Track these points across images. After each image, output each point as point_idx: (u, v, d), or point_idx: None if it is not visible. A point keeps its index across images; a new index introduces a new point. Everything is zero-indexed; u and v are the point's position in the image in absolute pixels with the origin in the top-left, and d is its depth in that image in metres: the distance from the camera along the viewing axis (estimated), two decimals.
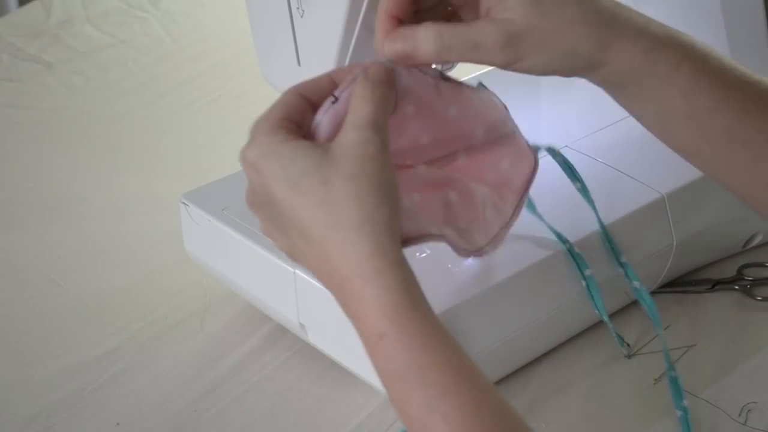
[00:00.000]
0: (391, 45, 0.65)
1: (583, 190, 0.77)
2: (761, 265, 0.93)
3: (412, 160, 0.69)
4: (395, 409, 0.57)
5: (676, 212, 0.88)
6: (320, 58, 0.77)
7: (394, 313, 0.56)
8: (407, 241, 0.65)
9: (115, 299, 0.95)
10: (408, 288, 0.56)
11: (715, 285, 0.92)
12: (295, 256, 0.63)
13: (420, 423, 0.55)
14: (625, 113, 0.70)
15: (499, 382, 0.83)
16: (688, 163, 0.70)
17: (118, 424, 0.81)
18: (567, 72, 0.66)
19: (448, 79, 0.68)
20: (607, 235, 0.82)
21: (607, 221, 0.83)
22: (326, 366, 0.85)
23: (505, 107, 0.70)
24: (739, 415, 0.79)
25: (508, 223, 0.71)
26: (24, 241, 1.04)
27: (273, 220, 0.62)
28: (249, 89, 1.31)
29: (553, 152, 0.79)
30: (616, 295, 0.86)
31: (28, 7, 1.55)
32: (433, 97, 0.67)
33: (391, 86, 0.63)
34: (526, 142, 0.71)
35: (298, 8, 0.77)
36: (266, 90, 0.88)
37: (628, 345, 0.84)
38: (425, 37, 0.64)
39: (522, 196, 0.71)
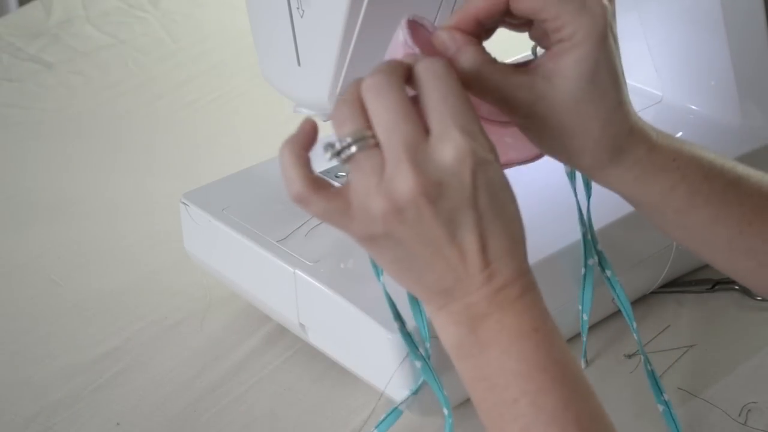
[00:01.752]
0: (440, 38, 0.64)
1: (571, 175, 0.78)
2: None
3: None
4: (520, 401, 0.58)
5: None
6: (320, 58, 0.77)
7: (547, 314, 0.60)
8: None
9: (114, 299, 0.95)
10: None
11: (715, 285, 0.92)
12: (413, 245, 0.58)
13: (550, 416, 0.58)
14: None
15: None
16: None
17: (118, 424, 0.82)
18: (551, 156, 0.68)
19: None
20: (589, 222, 0.81)
21: (607, 221, 0.83)
22: (326, 366, 0.85)
23: None
24: (739, 415, 0.79)
25: None
26: (24, 241, 1.04)
27: (442, 218, 0.57)
28: (249, 89, 1.31)
29: None
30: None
31: (28, 7, 1.55)
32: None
33: None
34: None
35: (298, 8, 0.77)
36: (266, 90, 0.88)
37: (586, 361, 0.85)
38: (467, 60, 0.63)
39: (508, 165, 0.69)
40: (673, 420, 0.77)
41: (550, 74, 0.63)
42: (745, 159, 0.84)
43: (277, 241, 0.83)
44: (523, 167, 0.70)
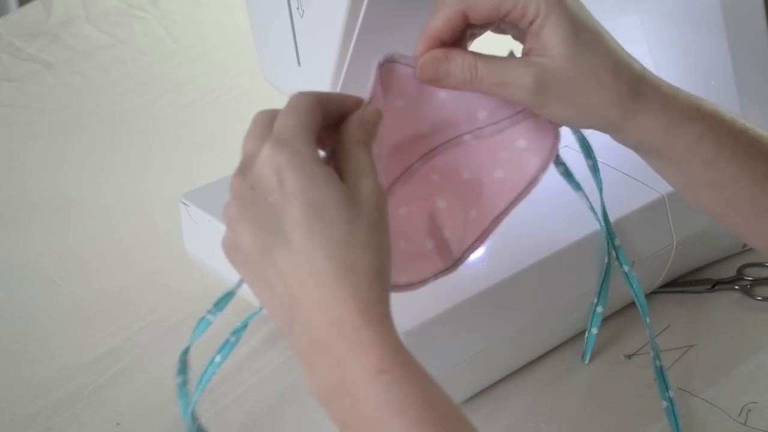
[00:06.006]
0: (424, 71, 0.66)
1: (594, 168, 0.79)
2: (761, 265, 0.93)
3: (417, 151, 0.69)
4: None
5: (676, 212, 0.88)
6: (320, 58, 0.77)
7: (395, 352, 0.56)
8: None
9: (115, 299, 0.95)
10: (398, 337, 0.58)
11: (715, 285, 0.92)
12: (268, 268, 0.59)
13: None
14: None
15: (500, 381, 0.83)
16: None
17: (118, 424, 0.82)
18: (586, 128, 0.68)
19: None
20: (604, 216, 0.81)
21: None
22: None
23: None
24: (739, 415, 0.79)
25: (504, 212, 0.70)
26: (24, 241, 1.04)
27: (264, 224, 0.59)
28: (249, 89, 1.32)
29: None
30: (615, 296, 0.86)
31: (28, 7, 1.55)
32: (419, 86, 0.68)
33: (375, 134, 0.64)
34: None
35: (298, 8, 0.77)
36: (266, 90, 0.88)
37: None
38: (460, 65, 0.66)
39: (535, 177, 0.70)
40: (675, 417, 0.77)
41: (540, 52, 0.65)
42: None
43: None
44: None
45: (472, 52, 0.66)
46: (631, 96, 0.66)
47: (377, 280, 0.57)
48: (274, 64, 0.84)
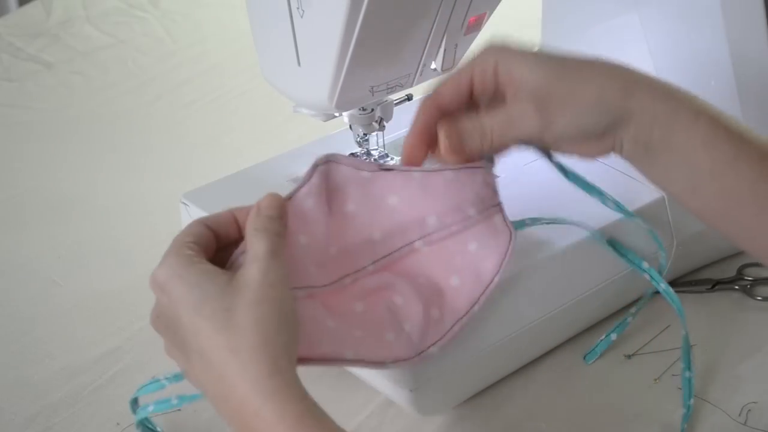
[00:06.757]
0: (451, 139, 0.69)
1: (619, 206, 0.80)
2: (761, 265, 0.93)
3: (368, 256, 0.70)
4: None
5: (676, 212, 0.88)
6: (320, 58, 0.77)
7: (296, 424, 0.58)
8: (320, 361, 0.66)
9: (115, 299, 0.95)
10: (306, 400, 0.60)
11: (715, 285, 0.92)
12: (195, 379, 0.64)
13: None
14: None
15: (500, 381, 0.83)
16: None
17: (118, 424, 0.82)
18: (598, 129, 0.68)
19: (390, 169, 0.70)
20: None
21: (607, 221, 0.83)
22: (325, 366, 0.85)
23: (494, 180, 0.72)
24: (739, 415, 0.79)
25: (466, 314, 0.71)
26: (24, 241, 1.04)
27: (176, 343, 0.63)
28: (249, 89, 1.32)
29: (563, 170, 0.78)
30: (618, 295, 0.86)
31: (28, 7, 1.56)
32: (369, 190, 0.69)
33: (284, 218, 0.66)
34: (504, 217, 0.72)
35: (298, 8, 0.77)
36: (266, 90, 0.88)
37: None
38: (471, 130, 0.68)
39: (491, 281, 0.71)
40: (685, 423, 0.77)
41: (522, 87, 0.67)
42: None
43: None
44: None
45: (455, 117, 0.69)
46: (623, 78, 0.67)
47: (263, 354, 0.59)
48: (274, 64, 0.84)
